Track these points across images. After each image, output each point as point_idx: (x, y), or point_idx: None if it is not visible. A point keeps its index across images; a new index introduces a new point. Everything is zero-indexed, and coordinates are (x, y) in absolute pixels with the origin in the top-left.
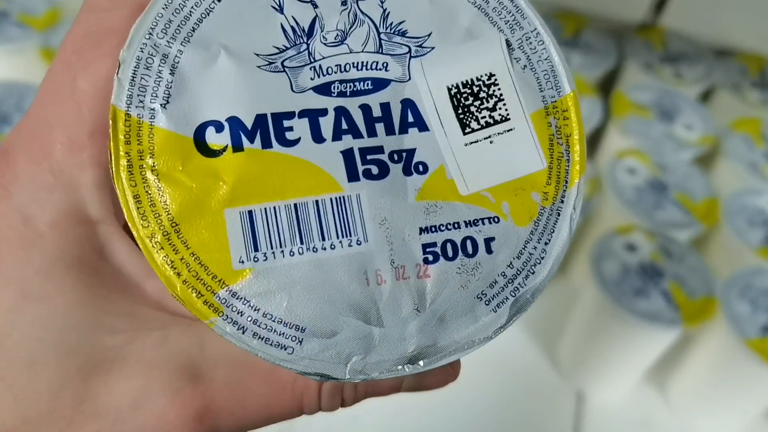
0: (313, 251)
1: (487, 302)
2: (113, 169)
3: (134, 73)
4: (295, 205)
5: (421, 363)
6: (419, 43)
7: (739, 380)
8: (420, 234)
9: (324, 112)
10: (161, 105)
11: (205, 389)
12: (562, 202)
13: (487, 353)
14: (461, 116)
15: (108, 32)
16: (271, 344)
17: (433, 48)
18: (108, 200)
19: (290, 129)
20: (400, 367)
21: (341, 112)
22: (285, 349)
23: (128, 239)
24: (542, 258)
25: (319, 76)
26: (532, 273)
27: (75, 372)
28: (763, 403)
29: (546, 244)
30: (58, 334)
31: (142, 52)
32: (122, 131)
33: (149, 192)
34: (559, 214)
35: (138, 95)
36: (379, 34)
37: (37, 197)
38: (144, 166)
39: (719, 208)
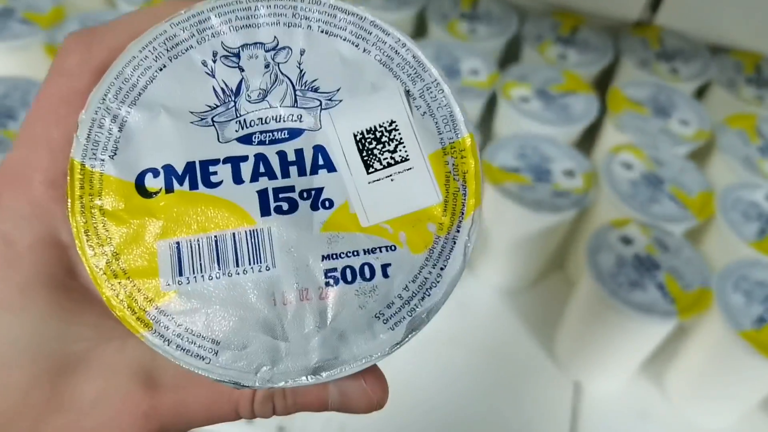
0: (228, 276)
1: (384, 321)
2: (69, 209)
3: (89, 132)
4: (215, 236)
5: (323, 374)
6: (329, 97)
7: (734, 371)
8: (322, 261)
9: (245, 158)
10: (110, 156)
11: (154, 392)
12: (458, 231)
13: (484, 345)
14: (365, 158)
15: (77, 93)
16: (191, 355)
17: (341, 100)
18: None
19: (215, 173)
20: (304, 377)
21: (260, 157)
22: (203, 359)
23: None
24: (437, 281)
25: (242, 128)
26: (428, 295)
27: (44, 373)
28: (758, 393)
29: (441, 269)
30: (30, 340)
31: (96, 114)
32: (77, 179)
33: (96, 227)
34: (454, 242)
35: (92, 149)
36: (295, 90)
37: (18, 224)
38: (93, 206)
39: (714, 202)
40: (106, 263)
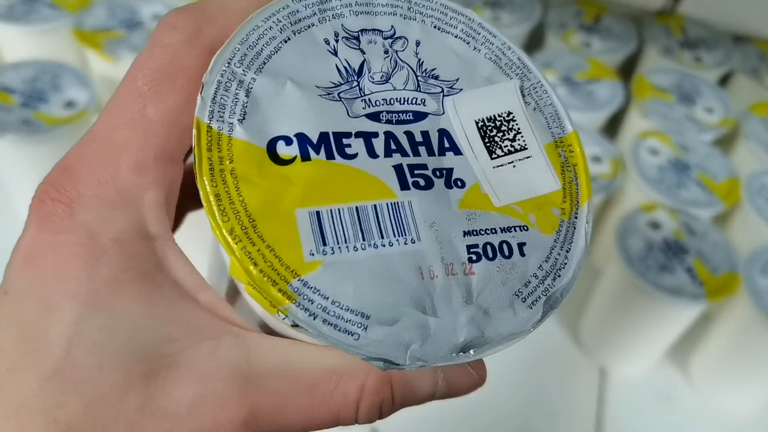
0: (374, 247)
1: (523, 299)
2: (197, 171)
3: (215, 94)
4: (357, 207)
5: (471, 352)
6: (450, 85)
7: (762, 355)
8: (464, 236)
9: (375, 134)
10: (238, 120)
11: (252, 398)
12: (576, 217)
13: None
14: (488, 144)
15: (182, 69)
16: (339, 330)
17: (461, 89)
18: (166, 218)
19: (349, 146)
20: (453, 354)
21: (389, 135)
22: (352, 335)
23: (183, 254)
24: (565, 263)
25: (369, 107)
26: (559, 276)
27: (138, 377)
28: None
29: (567, 251)
30: (123, 341)
31: (221, 77)
32: (205, 140)
33: (228, 191)
34: (575, 227)
35: (218, 111)
36: (416, 77)
37: (101, 214)
38: (224, 169)
39: (740, 188)
40: (242, 229)
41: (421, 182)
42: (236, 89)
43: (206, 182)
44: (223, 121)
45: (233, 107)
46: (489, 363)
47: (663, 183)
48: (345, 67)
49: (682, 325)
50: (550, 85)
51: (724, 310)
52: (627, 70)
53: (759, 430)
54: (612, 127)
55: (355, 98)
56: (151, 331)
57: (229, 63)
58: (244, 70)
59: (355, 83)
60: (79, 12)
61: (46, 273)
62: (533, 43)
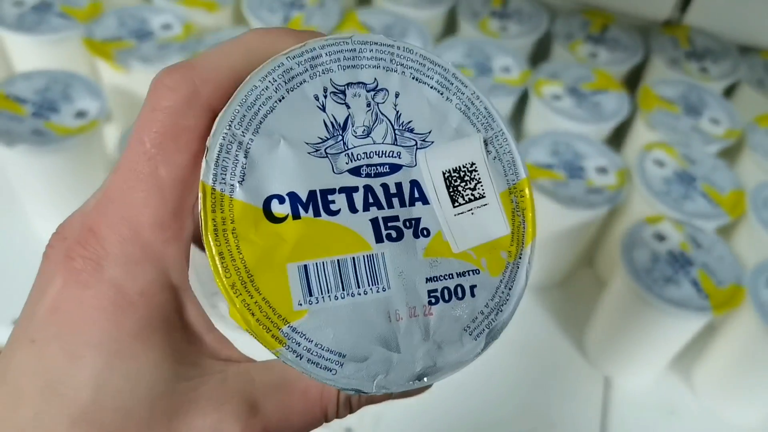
0: (351, 296)
1: (470, 333)
2: (203, 231)
3: (218, 157)
4: (338, 260)
5: (425, 379)
6: (423, 138)
7: (766, 367)
8: (426, 282)
9: (356, 189)
10: (238, 182)
11: (262, 415)
12: (520, 258)
13: (516, 341)
14: (452, 194)
15: (185, 130)
16: (320, 367)
17: (432, 142)
18: (186, 269)
19: (333, 202)
20: (410, 382)
21: (368, 189)
22: (330, 371)
23: (196, 300)
24: (507, 300)
25: (351, 161)
26: (501, 311)
27: (161, 415)
28: None
29: (509, 289)
30: (146, 385)
31: (223, 139)
32: (209, 202)
33: (230, 250)
34: (518, 267)
35: (221, 174)
36: (394, 130)
37: (129, 270)
38: (226, 229)
39: (745, 200)
40: (241, 284)
41: (393, 234)
42: (236, 151)
43: (211, 242)
44: (225, 183)
45: (234, 169)
46: (493, 372)
47: (669, 195)
48: (332, 123)
49: (686, 337)
50: (510, 132)
51: (729, 322)
52: (633, 81)
53: None
54: (618, 138)
55: (340, 153)
56: (171, 374)
57: (230, 125)
58: (243, 132)
59: (340, 138)
60: (89, 22)
61: (73, 324)
62: (540, 53)
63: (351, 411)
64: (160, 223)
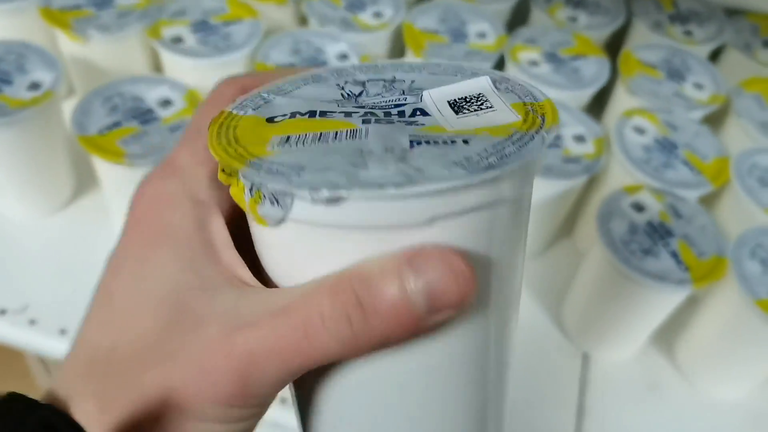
0: (325, 142)
1: (463, 167)
2: (210, 125)
3: (243, 101)
4: (321, 133)
5: (396, 189)
6: (431, 87)
7: (750, 341)
8: (409, 137)
9: (357, 112)
10: (252, 109)
11: (244, 334)
12: (536, 132)
13: None
14: (456, 109)
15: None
16: (275, 174)
17: (440, 86)
18: (214, 191)
19: (332, 112)
20: (377, 189)
21: (368, 112)
22: (286, 178)
23: (220, 217)
24: (516, 151)
25: (358, 106)
26: (506, 155)
27: (165, 320)
28: None
29: (520, 147)
30: (182, 289)
31: (251, 97)
32: (224, 115)
33: (228, 130)
34: (533, 136)
35: (239, 106)
36: (404, 91)
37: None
38: (230, 126)
39: (729, 168)
40: (227, 141)
41: (383, 121)
42: (258, 101)
43: (213, 128)
44: (240, 109)
45: (252, 105)
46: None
47: (649, 163)
48: (348, 93)
49: (666, 310)
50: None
51: (712, 294)
52: (614, 46)
53: (746, 416)
54: (598, 105)
55: (350, 104)
56: (181, 296)
57: (259, 92)
58: (268, 95)
59: (353, 99)
60: None
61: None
62: (518, 18)
63: (355, 327)
64: (200, 159)
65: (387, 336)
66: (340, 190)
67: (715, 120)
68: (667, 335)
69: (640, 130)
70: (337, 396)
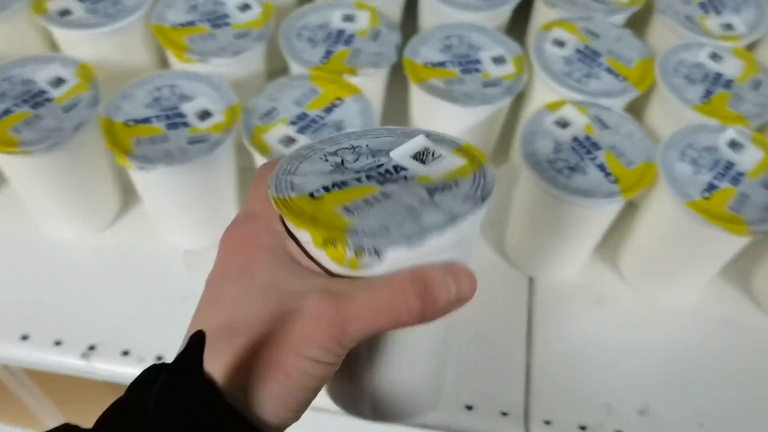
0: (377, 204)
1: (472, 202)
2: (282, 211)
3: (276, 185)
4: (365, 198)
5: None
6: (388, 151)
7: (689, 244)
8: (426, 190)
9: (359, 176)
10: (291, 191)
11: (341, 302)
12: (485, 167)
13: None
14: (421, 161)
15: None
16: (371, 237)
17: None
18: (280, 225)
19: (345, 182)
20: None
21: (369, 176)
22: (382, 237)
23: (292, 240)
24: (487, 184)
25: (357, 173)
26: (485, 188)
27: (272, 310)
28: (715, 264)
29: (487, 180)
30: (281, 280)
31: (277, 179)
32: (280, 199)
33: (299, 213)
34: (485, 171)
35: (280, 190)
36: (372, 155)
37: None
38: (291, 207)
39: (654, 69)
40: (311, 220)
41: (389, 179)
42: (286, 183)
43: (284, 212)
44: (282, 192)
45: (285, 188)
46: None
47: (571, 76)
48: (334, 164)
49: (602, 225)
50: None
51: (648, 202)
52: None
53: (694, 321)
54: (521, 23)
55: (345, 171)
56: (281, 283)
57: (277, 175)
58: (286, 177)
59: (344, 168)
60: None
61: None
62: None
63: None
64: (259, 203)
65: (433, 314)
66: (421, 238)
67: (638, 22)
68: (611, 247)
69: (559, 43)
70: (396, 347)
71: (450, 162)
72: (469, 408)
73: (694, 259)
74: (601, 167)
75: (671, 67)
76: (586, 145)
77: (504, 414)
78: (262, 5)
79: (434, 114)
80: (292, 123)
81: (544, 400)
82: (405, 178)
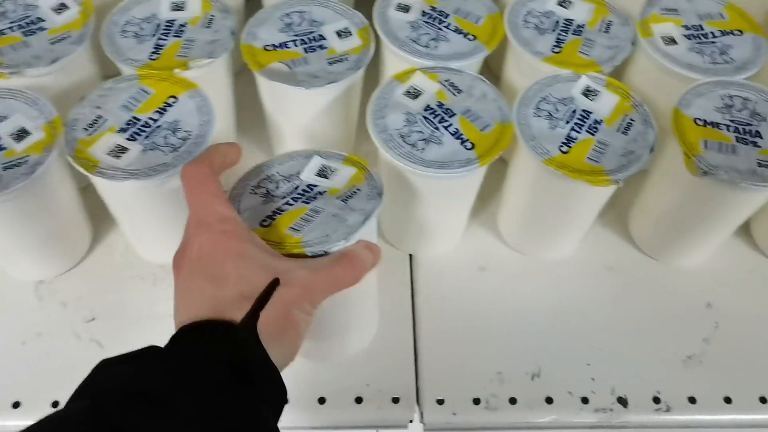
0: (312, 221)
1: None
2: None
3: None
4: (302, 217)
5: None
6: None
7: (556, 201)
8: (340, 200)
9: (288, 200)
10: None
11: (325, 271)
12: (372, 173)
13: None
14: (323, 176)
15: (214, 177)
16: (320, 245)
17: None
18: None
19: (280, 209)
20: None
21: (294, 198)
22: (332, 245)
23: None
24: (376, 184)
25: (283, 198)
26: (377, 188)
27: (273, 272)
28: (588, 216)
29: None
30: (268, 260)
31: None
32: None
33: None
34: (375, 179)
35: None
36: (288, 179)
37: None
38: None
39: (504, 24)
40: (276, 244)
41: (311, 198)
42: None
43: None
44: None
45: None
46: None
47: (418, 41)
48: (263, 194)
49: (471, 193)
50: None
51: (514, 162)
52: None
53: (577, 272)
54: None
55: (275, 199)
56: (270, 263)
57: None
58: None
59: (272, 197)
60: None
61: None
62: None
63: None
64: (226, 206)
65: (361, 276)
66: (352, 234)
67: None
68: (491, 212)
69: (404, 8)
70: (345, 301)
71: (345, 173)
72: (359, 401)
73: (566, 213)
74: (457, 134)
75: (520, 18)
76: (439, 113)
77: (395, 400)
78: (80, 4)
79: (283, 100)
80: (122, 130)
81: (435, 380)
82: (320, 193)
